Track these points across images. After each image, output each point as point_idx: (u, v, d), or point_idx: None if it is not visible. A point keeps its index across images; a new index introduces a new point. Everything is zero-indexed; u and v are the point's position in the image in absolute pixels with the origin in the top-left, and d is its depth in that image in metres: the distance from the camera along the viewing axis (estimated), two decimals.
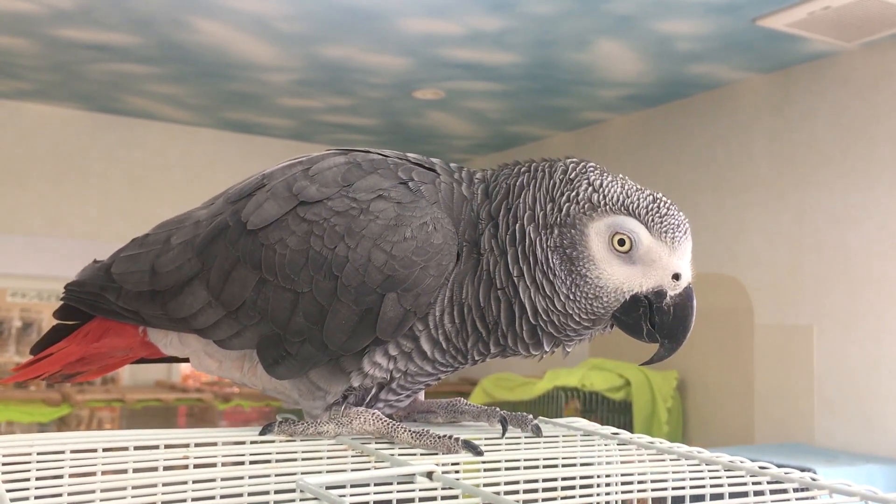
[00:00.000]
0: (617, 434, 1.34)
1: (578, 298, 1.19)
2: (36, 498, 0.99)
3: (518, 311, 1.19)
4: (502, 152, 7.87)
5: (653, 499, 1.20)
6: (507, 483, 1.08)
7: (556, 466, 1.20)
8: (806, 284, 5.19)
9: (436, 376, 1.29)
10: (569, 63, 5.36)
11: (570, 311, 1.19)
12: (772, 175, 5.48)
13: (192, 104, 6.66)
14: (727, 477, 1.14)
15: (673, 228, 1.18)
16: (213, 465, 1.09)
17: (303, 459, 1.14)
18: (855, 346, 4.89)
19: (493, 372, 6.49)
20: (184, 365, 6.35)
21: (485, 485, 1.06)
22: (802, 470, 1.13)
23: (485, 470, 1.15)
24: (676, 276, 1.18)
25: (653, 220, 1.17)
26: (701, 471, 1.16)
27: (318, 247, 1.18)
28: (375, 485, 1.02)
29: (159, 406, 6.52)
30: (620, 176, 1.23)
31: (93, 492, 0.96)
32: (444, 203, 1.22)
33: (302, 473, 1.05)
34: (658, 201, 1.19)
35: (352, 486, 1.01)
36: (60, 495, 0.96)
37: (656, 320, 1.19)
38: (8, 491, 0.94)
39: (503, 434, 1.29)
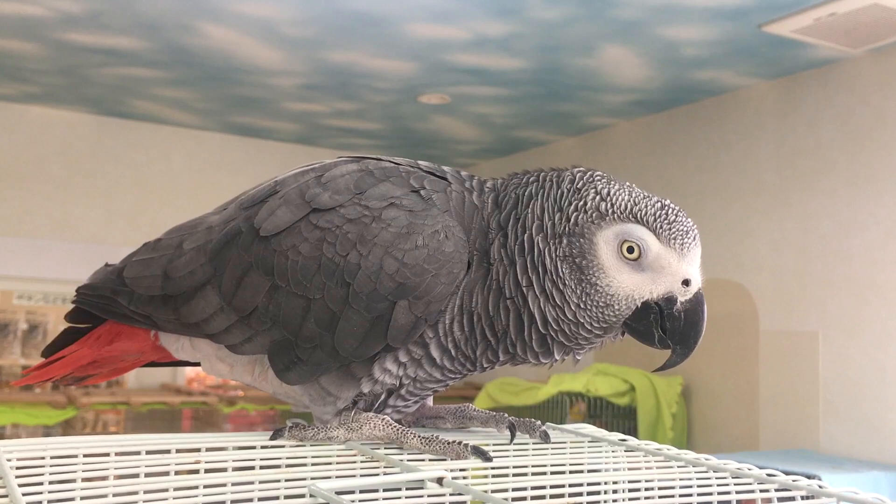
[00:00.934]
0: (624, 440, 1.34)
1: (589, 307, 1.19)
2: (49, 501, 0.99)
3: (527, 321, 1.20)
4: (508, 157, 7.88)
5: None
6: (514, 489, 1.08)
7: (563, 473, 1.20)
8: (811, 290, 5.18)
9: (444, 382, 1.30)
10: (575, 68, 5.37)
11: (582, 320, 1.20)
12: (777, 181, 5.47)
13: (198, 108, 6.68)
14: (735, 484, 1.14)
15: (682, 235, 1.18)
16: (224, 469, 1.10)
17: (313, 464, 1.15)
18: (860, 352, 4.88)
19: (498, 376, 6.49)
20: (189, 368, 6.39)
21: (493, 491, 1.07)
22: (808, 477, 1.14)
23: (493, 476, 1.16)
24: (686, 282, 1.19)
25: (661, 227, 1.18)
26: (708, 478, 1.16)
27: (330, 254, 1.18)
28: (385, 490, 1.03)
29: (164, 409, 6.53)
30: (628, 184, 1.23)
31: (105, 496, 0.96)
32: (455, 212, 1.23)
33: (312, 478, 1.06)
34: (666, 208, 1.19)
35: (361, 492, 1.02)
36: (73, 499, 0.97)
37: (667, 327, 1.19)
38: (24, 494, 0.95)
39: (511, 440, 1.29)
